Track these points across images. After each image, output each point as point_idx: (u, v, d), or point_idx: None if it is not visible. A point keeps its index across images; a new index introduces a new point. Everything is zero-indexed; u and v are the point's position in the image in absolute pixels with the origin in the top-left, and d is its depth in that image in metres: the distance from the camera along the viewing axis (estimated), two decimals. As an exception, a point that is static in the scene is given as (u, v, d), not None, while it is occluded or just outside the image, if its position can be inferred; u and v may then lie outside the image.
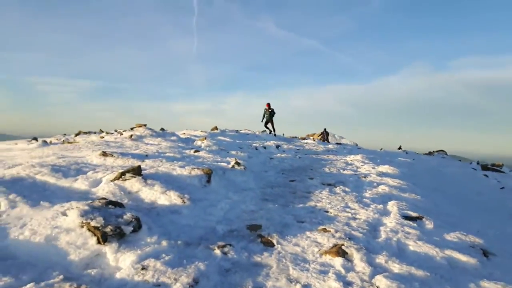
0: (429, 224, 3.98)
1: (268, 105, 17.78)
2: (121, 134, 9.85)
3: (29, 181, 4.10)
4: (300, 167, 7.82)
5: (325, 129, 26.14)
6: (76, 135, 13.20)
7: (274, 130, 17.95)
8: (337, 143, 19.22)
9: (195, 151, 7.20)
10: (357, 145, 22.43)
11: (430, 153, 22.73)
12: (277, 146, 11.81)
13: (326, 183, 6.07)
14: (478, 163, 13.95)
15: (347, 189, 5.67)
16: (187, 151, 7.22)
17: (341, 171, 7.46)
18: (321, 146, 14.63)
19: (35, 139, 11.20)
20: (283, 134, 21.13)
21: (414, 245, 3.29)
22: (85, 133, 13.85)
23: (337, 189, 5.62)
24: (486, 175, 11.73)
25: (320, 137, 25.20)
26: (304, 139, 19.80)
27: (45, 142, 9.71)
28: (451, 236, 3.64)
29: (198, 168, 5.10)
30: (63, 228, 2.87)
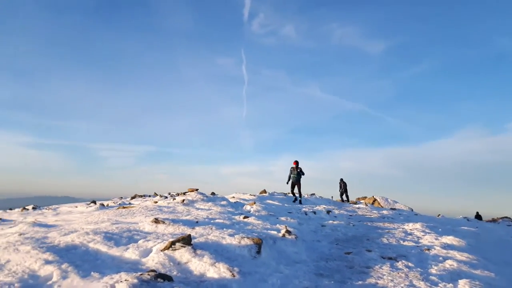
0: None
1: (296, 163, 13.85)
2: (174, 198, 10.07)
3: (82, 249, 4.15)
4: (356, 237, 7.30)
5: (341, 179, 20.38)
6: (132, 198, 13.76)
7: (300, 196, 13.90)
8: (392, 209, 18.11)
9: (244, 217, 7.05)
10: (412, 210, 20.96)
11: (493, 220, 20.54)
12: (328, 211, 11.26)
13: (387, 257, 5.53)
14: None
15: (410, 264, 5.11)
16: (236, 217, 7.10)
17: (401, 242, 6.84)
18: (374, 211, 13.81)
19: (94, 202, 11.83)
20: (332, 197, 20.31)
21: None
22: (140, 196, 14.40)
23: (399, 264, 5.08)
24: None
25: (340, 190, 20.32)
26: (355, 203, 18.91)
27: (102, 205, 10.18)
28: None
29: (247, 237, 4.91)
30: (111, 304, 2.78)
